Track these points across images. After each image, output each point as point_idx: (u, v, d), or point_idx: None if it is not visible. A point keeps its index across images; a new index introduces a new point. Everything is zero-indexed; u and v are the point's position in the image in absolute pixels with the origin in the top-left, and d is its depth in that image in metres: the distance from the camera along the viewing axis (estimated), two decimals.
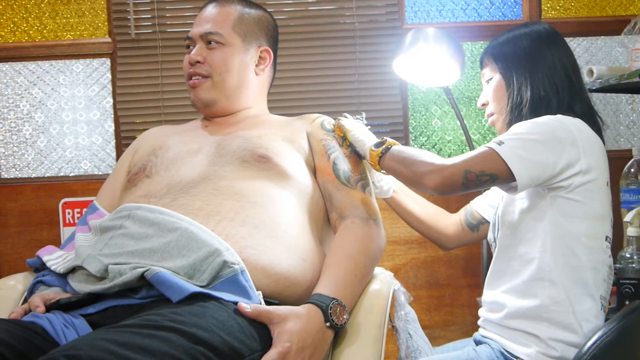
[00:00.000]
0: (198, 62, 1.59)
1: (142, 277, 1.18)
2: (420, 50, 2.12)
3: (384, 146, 1.54)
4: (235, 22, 1.62)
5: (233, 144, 1.50)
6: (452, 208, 1.98)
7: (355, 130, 1.59)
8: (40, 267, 1.49)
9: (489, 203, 1.84)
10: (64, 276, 1.40)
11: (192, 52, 1.61)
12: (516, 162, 1.43)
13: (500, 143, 1.45)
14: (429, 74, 2.24)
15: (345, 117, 1.66)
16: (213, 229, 1.28)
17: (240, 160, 1.45)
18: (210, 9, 1.64)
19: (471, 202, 1.90)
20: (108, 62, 2.76)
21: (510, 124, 1.61)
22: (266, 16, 1.71)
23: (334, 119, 1.64)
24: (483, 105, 1.74)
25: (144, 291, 1.20)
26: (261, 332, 1.15)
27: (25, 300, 1.42)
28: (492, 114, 1.71)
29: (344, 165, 1.52)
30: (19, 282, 1.51)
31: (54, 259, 1.46)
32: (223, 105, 1.62)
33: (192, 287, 1.15)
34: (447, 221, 1.90)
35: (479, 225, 1.86)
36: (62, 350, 0.95)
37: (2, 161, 2.76)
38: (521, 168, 1.42)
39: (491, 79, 1.70)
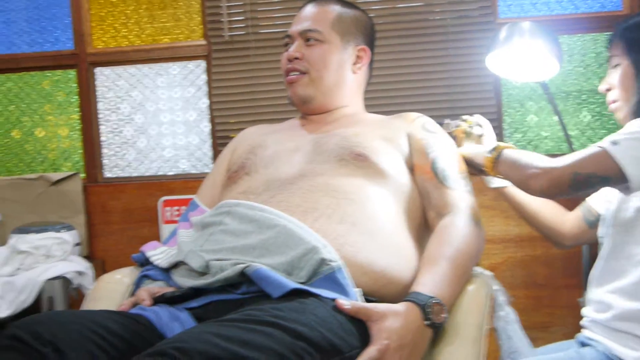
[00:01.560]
0: (296, 58, 1.61)
1: (242, 273, 1.21)
2: (516, 45, 2.07)
3: (495, 151, 1.52)
4: (334, 20, 1.63)
5: (330, 142, 1.51)
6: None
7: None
8: (145, 262, 1.54)
9: (606, 199, 1.75)
10: (167, 271, 1.44)
11: (291, 49, 1.63)
12: (631, 163, 1.36)
13: (615, 143, 1.38)
14: (524, 69, 2.19)
15: (448, 122, 1.65)
16: (311, 226, 1.29)
17: (338, 158, 1.46)
18: (310, 8, 1.66)
19: (587, 199, 1.83)
20: (203, 64, 2.83)
21: (634, 115, 1.53)
22: (364, 16, 1.72)
23: (440, 123, 1.64)
24: (607, 89, 1.65)
25: (245, 287, 1.23)
26: (360, 329, 1.15)
27: (132, 294, 1.48)
28: (615, 101, 1.63)
29: (444, 164, 1.50)
30: (125, 276, 1.57)
31: (157, 254, 1.51)
32: (320, 102, 1.63)
33: (292, 284, 1.16)
34: (564, 217, 1.84)
35: (597, 222, 1.79)
36: (170, 342, 0.98)
37: (105, 161, 2.88)
38: (635, 169, 1.36)
39: (619, 64, 1.60)
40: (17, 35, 2.94)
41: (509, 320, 1.44)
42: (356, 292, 1.23)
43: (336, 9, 1.66)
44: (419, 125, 1.59)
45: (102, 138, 2.89)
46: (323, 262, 1.21)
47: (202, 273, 1.29)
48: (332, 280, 1.21)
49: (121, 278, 1.57)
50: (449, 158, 1.53)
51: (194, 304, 1.28)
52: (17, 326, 1.09)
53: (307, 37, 1.62)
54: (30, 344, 1.04)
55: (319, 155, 1.49)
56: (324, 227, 1.30)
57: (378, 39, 1.76)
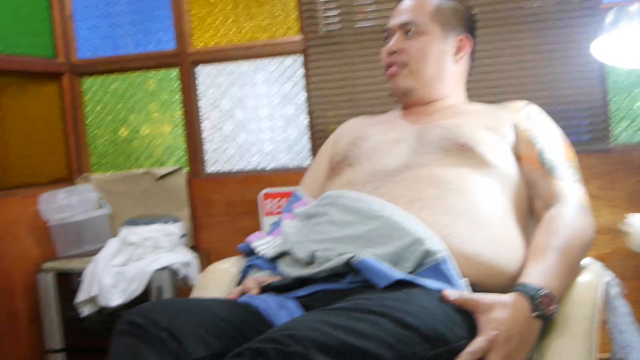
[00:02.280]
0: (396, 51, 1.61)
1: (347, 263, 1.23)
2: (623, 30, 2.00)
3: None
4: (433, 11, 1.62)
5: (433, 133, 1.50)
6: None
7: None
8: (250, 252, 1.59)
9: None
10: (272, 260, 1.48)
11: (390, 42, 1.63)
12: None
13: None
14: (633, 54, 2.11)
15: None
16: (416, 217, 1.29)
17: (442, 149, 1.45)
18: (408, 1, 1.65)
19: None
20: (300, 59, 2.87)
21: None
22: (463, 5, 1.70)
23: None
24: None
25: (350, 277, 1.24)
26: (467, 319, 1.15)
27: (239, 283, 1.52)
28: None
29: (551, 154, 1.47)
30: (231, 265, 1.62)
31: (263, 244, 1.55)
32: (421, 93, 1.63)
33: (398, 274, 1.17)
34: None
35: None
36: (280, 330, 1.01)
37: (207, 156, 2.97)
38: None
39: None
40: (123, 37, 3.06)
41: (622, 313, 1.40)
42: (462, 282, 1.22)
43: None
44: (524, 115, 1.56)
45: (204, 134, 2.97)
46: (428, 253, 1.21)
47: (308, 263, 1.32)
48: (438, 271, 1.21)
49: (228, 267, 1.61)
50: (556, 148, 1.50)
51: (300, 293, 1.30)
52: (135, 313, 1.14)
53: (406, 29, 1.62)
54: (147, 329, 1.09)
55: (423, 146, 1.48)
56: (429, 217, 1.30)
57: (478, 28, 1.74)
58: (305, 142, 2.87)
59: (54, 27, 3.02)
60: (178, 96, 2.99)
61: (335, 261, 1.24)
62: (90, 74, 3.08)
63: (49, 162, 2.98)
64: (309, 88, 2.82)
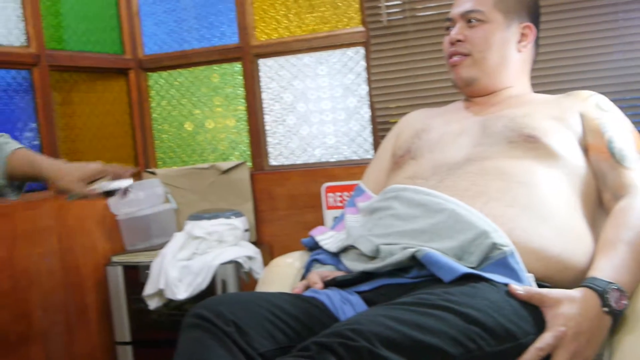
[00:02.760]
0: (459, 40, 1.58)
1: (412, 257, 1.22)
2: None
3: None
4: None
5: (498, 124, 1.47)
6: None
7: None
8: (314, 246, 1.59)
9: None
10: (336, 255, 1.48)
11: (453, 32, 1.60)
12: None
13: None
14: None
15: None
16: (480, 210, 1.27)
17: (507, 140, 1.42)
18: None
19: None
20: (362, 50, 2.85)
21: None
22: None
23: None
24: None
25: (415, 271, 1.23)
26: (534, 314, 1.13)
27: (303, 277, 1.53)
28: None
29: (621, 144, 1.42)
30: (295, 259, 1.63)
31: (326, 238, 1.56)
32: (484, 83, 1.60)
33: (463, 268, 1.15)
34: None
35: None
36: (345, 324, 1.01)
37: (270, 149, 2.99)
38: None
39: None
40: (187, 32, 3.11)
41: None
42: (529, 277, 1.20)
43: None
44: (592, 103, 1.51)
45: (267, 127, 2.99)
46: (494, 246, 1.19)
47: (372, 257, 1.31)
48: (504, 265, 1.19)
49: (292, 262, 1.63)
50: (626, 137, 1.45)
51: (365, 287, 1.30)
52: (202, 306, 1.16)
53: (468, 18, 1.59)
54: (214, 322, 1.11)
55: (487, 137, 1.46)
56: (494, 211, 1.28)
57: (542, 15, 1.69)
58: (367, 135, 2.85)
59: (121, 23, 3.09)
60: (241, 90, 3.01)
61: (400, 255, 1.23)
62: (156, 69, 3.14)
63: (117, 157, 3.05)
64: (371, 80, 2.80)
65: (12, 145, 1.64)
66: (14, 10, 2.53)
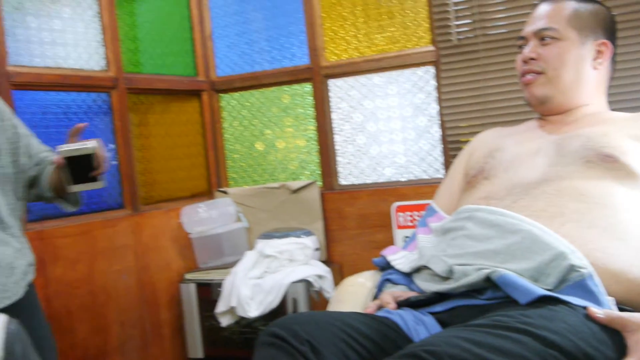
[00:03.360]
0: (532, 59, 1.56)
1: (487, 278, 1.20)
2: None
3: None
4: (570, 16, 1.56)
5: (574, 143, 1.44)
6: None
7: None
8: (385, 266, 1.59)
9: None
10: (408, 275, 1.47)
11: (526, 50, 1.58)
12: None
13: None
14: None
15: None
16: (557, 231, 1.24)
17: (584, 160, 1.39)
18: (544, 7, 1.60)
19: None
20: (432, 69, 2.85)
21: None
22: (602, 8, 1.62)
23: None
24: None
25: (490, 292, 1.21)
26: (614, 339, 1.09)
27: (375, 297, 1.53)
28: None
29: None
30: (367, 279, 1.63)
31: (398, 258, 1.55)
32: (558, 101, 1.57)
33: (540, 290, 1.13)
34: None
35: None
36: (420, 345, 1.00)
37: (340, 169, 3.01)
38: None
39: None
40: (258, 54, 3.17)
41: None
42: (609, 300, 1.16)
43: (572, 4, 1.59)
44: None
45: (337, 147, 3.01)
46: (572, 268, 1.16)
47: (446, 278, 1.30)
48: (582, 288, 1.16)
49: (364, 282, 1.62)
50: None
51: (438, 308, 1.29)
52: (277, 325, 1.17)
53: (542, 36, 1.57)
54: (289, 341, 1.12)
55: (563, 157, 1.43)
56: (572, 232, 1.25)
57: (620, 31, 1.65)
58: (438, 154, 2.84)
59: (195, 47, 3.17)
60: (311, 110, 3.05)
61: (474, 276, 1.22)
62: (228, 90, 3.21)
63: (190, 177, 3.13)
64: (441, 99, 2.79)
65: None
66: (95, 36, 2.64)
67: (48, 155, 1.61)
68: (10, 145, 1.50)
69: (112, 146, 2.70)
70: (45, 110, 2.45)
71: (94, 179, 1.51)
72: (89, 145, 1.50)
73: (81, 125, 1.55)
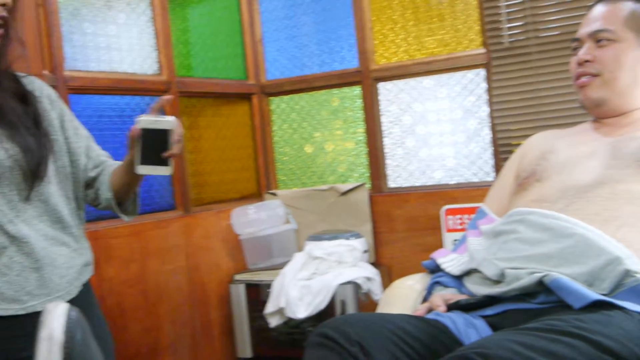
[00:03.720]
0: (587, 61, 1.54)
1: (540, 282, 1.19)
2: None
3: None
4: (627, 17, 1.53)
5: (630, 145, 1.42)
6: None
7: None
8: (435, 269, 1.59)
9: None
10: (458, 278, 1.47)
11: (581, 52, 1.56)
12: None
13: None
14: None
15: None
16: (612, 236, 1.22)
17: None
18: (600, 8, 1.58)
19: None
20: (483, 72, 2.82)
21: None
22: None
23: None
24: None
25: (542, 296, 1.20)
26: None
27: (424, 299, 1.52)
28: None
29: None
30: (416, 282, 1.62)
31: (448, 261, 1.55)
32: (614, 104, 1.55)
33: (594, 295, 1.11)
34: None
35: None
36: (471, 348, 1.00)
37: (389, 172, 3.00)
38: None
39: None
40: (308, 57, 3.19)
41: None
42: None
43: (629, 5, 1.56)
44: None
45: (386, 150, 3.01)
46: (628, 273, 1.14)
47: (497, 281, 1.30)
48: (638, 293, 1.14)
49: (413, 284, 1.62)
50: None
51: (489, 311, 1.28)
52: (327, 326, 1.18)
53: (597, 37, 1.54)
54: (339, 342, 1.13)
55: (618, 160, 1.41)
56: (628, 236, 1.23)
57: None
58: (488, 157, 2.81)
59: (245, 50, 3.21)
60: (360, 113, 3.05)
61: (527, 280, 1.21)
62: (278, 93, 3.24)
63: (240, 179, 3.16)
64: (492, 101, 2.76)
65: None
66: (148, 41, 2.69)
67: (107, 160, 1.61)
68: (69, 146, 1.53)
69: None
70: (100, 114, 2.51)
71: (164, 162, 1.43)
72: (169, 119, 1.41)
73: (166, 97, 1.48)
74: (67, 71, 2.35)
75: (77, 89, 2.39)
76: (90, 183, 1.58)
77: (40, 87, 1.52)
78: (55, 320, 1.03)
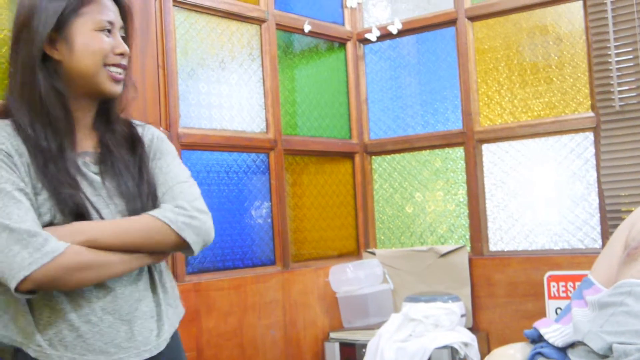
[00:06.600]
0: None
1: None
2: None
3: None
4: None
5: None
6: None
7: None
8: (537, 339, 1.54)
9: None
10: (562, 350, 1.42)
11: None
12: None
13: None
14: None
15: None
16: None
17: None
18: None
19: None
20: (591, 136, 2.75)
21: None
22: None
23: None
24: None
25: None
26: None
27: None
28: None
29: None
30: (517, 351, 1.58)
31: (551, 331, 1.50)
32: None
33: None
34: None
35: None
36: None
37: (491, 235, 2.95)
38: None
39: None
40: (412, 117, 3.21)
41: None
42: None
43: None
44: None
45: (488, 212, 2.96)
46: None
47: (604, 356, 1.24)
48: None
49: (513, 353, 1.58)
50: None
51: None
52: None
53: None
54: None
55: None
56: None
57: None
58: (595, 224, 2.71)
59: (350, 110, 3.27)
60: (462, 174, 3.03)
61: (637, 357, 1.15)
62: (380, 153, 3.27)
63: (339, 236, 3.18)
64: (600, 166, 2.68)
65: None
66: (257, 100, 2.80)
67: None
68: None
69: (267, 204, 2.81)
70: (209, 169, 2.61)
71: None
72: None
73: None
74: (181, 128, 2.47)
75: (189, 145, 2.50)
76: None
77: (151, 134, 1.56)
78: None
